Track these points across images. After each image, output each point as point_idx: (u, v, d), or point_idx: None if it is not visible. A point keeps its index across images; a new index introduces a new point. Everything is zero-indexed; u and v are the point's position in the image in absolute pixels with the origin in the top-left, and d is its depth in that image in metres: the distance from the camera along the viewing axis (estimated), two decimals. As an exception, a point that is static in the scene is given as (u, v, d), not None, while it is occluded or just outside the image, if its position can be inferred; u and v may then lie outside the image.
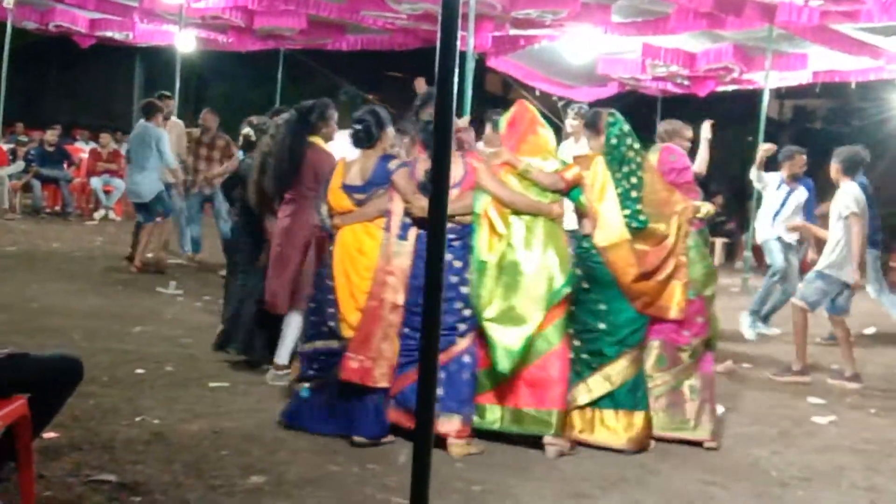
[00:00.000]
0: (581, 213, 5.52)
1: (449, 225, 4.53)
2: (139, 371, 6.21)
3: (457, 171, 5.13)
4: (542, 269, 5.19)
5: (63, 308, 8.09)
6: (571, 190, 5.43)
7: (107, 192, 15.80)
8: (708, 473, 5.06)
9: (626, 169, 5.45)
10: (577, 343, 5.40)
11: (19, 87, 10.56)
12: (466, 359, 5.16)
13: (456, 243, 5.15)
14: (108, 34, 13.94)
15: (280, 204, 6.29)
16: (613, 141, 5.50)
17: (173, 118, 11.29)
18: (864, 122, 17.64)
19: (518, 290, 5.17)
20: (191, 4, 11.64)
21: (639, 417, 5.37)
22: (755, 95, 12.88)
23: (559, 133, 14.83)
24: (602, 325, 5.40)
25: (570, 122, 9.02)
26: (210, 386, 6.01)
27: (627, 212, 5.38)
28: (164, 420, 5.20)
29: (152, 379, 6.07)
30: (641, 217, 5.38)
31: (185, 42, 13.02)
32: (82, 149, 17.44)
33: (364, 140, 5.43)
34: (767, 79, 10.84)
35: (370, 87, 20.97)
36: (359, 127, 5.44)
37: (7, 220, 14.44)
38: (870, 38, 10.43)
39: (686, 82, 13.75)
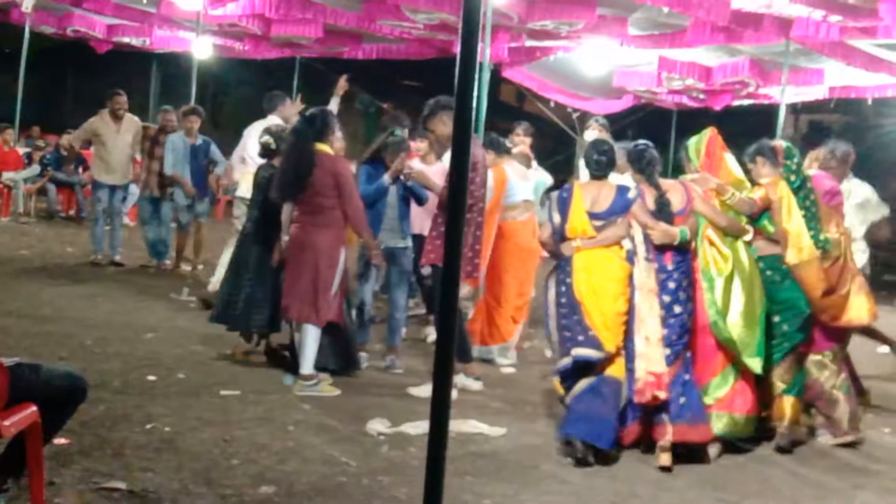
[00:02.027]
0: (760, 235, 5.99)
1: (671, 252, 5.56)
2: (151, 378, 6.20)
3: (679, 197, 5.71)
4: (756, 287, 5.76)
5: (76, 313, 8.10)
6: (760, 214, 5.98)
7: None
8: (720, 491, 5.03)
9: (801, 194, 6.03)
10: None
11: (36, 92, 10.62)
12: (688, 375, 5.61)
13: (681, 267, 5.62)
14: (126, 40, 13.98)
15: (297, 212, 6.30)
16: (793, 169, 6.08)
17: (128, 116, 11.04)
18: (879, 139, 17.55)
19: (744, 304, 5.66)
20: (208, 11, 11.68)
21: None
22: (771, 110, 12.83)
23: (574, 144, 14.84)
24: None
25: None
26: (221, 394, 5.99)
27: (811, 233, 5.95)
28: (175, 427, 5.19)
29: (164, 386, 6.07)
30: (822, 237, 6.01)
31: (202, 49, 13.06)
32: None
33: (605, 168, 5.79)
34: (784, 93, 10.79)
35: (385, 96, 21.01)
36: (601, 157, 5.76)
37: (21, 223, 14.48)
38: (887, 54, 10.39)
39: (702, 96, 13.71)
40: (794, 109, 18.92)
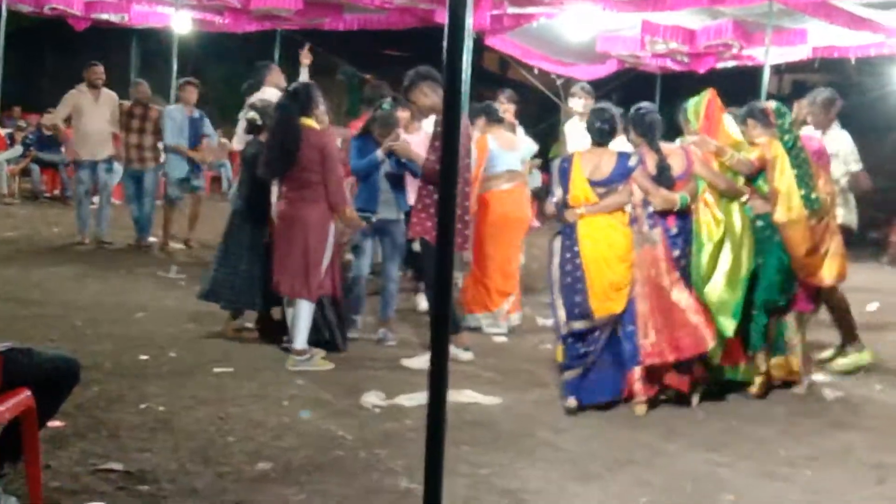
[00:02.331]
0: (756, 195, 6.08)
1: (674, 217, 5.68)
2: (143, 357, 6.19)
3: (679, 162, 5.78)
4: (745, 250, 5.88)
5: (65, 294, 8.07)
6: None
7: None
8: (715, 453, 5.06)
9: (793, 154, 6.09)
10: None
11: (16, 71, 10.51)
12: None
13: (683, 232, 5.76)
14: (104, 16, 13.79)
15: (284, 188, 6.27)
16: (786, 128, 6.17)
17: (105, 90, 11.01)
18: (863, 97, 17.55)
19: (730, 267, 5.81)
20: (187, -14, 11.57)
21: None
22: (754, 71, 12.78)
23: (559, 111, 14.81)
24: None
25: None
26: (214, 371, 5.99)
27: (802, 192, 6.03)
28: (170, 407, 5.18)
29: (156, 365, 6.06)
30: (812, 196, 6.07)
31: (182, 23, 12.93)
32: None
33: (608, 136, 5.85)
34: (768, 55, 10.74)
35: (368, 67, 20.85)
36: (604, 125, 5.81)
37: (6, 204, 14.40)
38: (870, 12, 10.35)
39: (686, 59, 13.62)
40: (778, 70, 18.89)
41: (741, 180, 6.07)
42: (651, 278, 5.69)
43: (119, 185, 12.26)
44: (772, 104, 6.43)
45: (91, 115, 10.76)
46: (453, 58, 2.68)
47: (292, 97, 6.34)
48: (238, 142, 10.02)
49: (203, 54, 18.28)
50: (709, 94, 6.18)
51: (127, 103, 11.05)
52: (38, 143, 15.51)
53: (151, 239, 11.17)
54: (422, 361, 6.44)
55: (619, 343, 5.75)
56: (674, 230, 5.73)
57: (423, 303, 8.24)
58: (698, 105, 6.16)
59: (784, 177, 6.03)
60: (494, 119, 7.90)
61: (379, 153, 6.85)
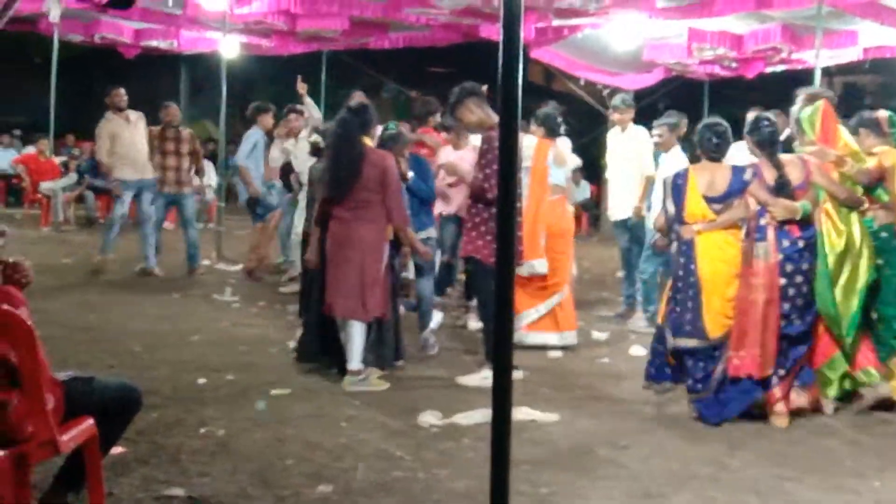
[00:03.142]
0: (876, 205, 6.03)
1: (798, 228, 5.59)
2: (200, 381, 6.23)
3: (797, 172, 5.69)
4: (864, 260, 5.79)
5: (121, 319, 8.15)
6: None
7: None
8: (780, 467, 4.96)
9: None
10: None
11: (67, 100, 10.65)
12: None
13: (810, 242, 5.68)
14: (153, 43, 14.04)
15: (338, 207, 6.27)
16: None
17: (131, 111, 10.65)
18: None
19: (847, 278, 5.74)
20: (234, 11, 11.68)
21: None
22: (804, 75, 12.63)
23: (605, 122, 14.71)
24: None
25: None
26: (271, 394, 6.00)
27: None
28: (228, 430, 5.20)
29: (214, 388, 6.09)
30: None
31: (230, 48, 13.08)
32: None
33: (722, 151, 5.79)
34: (818, 58, 10.61)
35: (412, 84, 20.95)
36: (718, 139, 5.77)
37: (62, 232, 14.63)
38: (922, 11, 10.19)
39: (734, 65, 13.51)
40: (828, 72, 18.64)
41: (860, 191, 5.97)
42: (744, 294, 5.60)
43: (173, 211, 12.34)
44: (883, 113, 6.33)
45: (129, 137, 10.53)
46: (509, 74, 2.67)
47: (354, 115, 6.32)
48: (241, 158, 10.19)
49: (251, 77, 18.48)
50: (823, 105, 6.06)
51: (156, 128, 10.89)
52: (91, 170, 15.73)
53: (205, 262, 11.27)
54: (477, 379, 6.41)
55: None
56: (800, 243, 5.63)
57: (473, 322, 8.21)
58: (813, 116, 6.04)
59: None
60: (554, 133, 7.82)
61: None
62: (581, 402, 6.14)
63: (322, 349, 6.58)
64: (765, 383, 5.64)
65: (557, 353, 7.51)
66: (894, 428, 5.77)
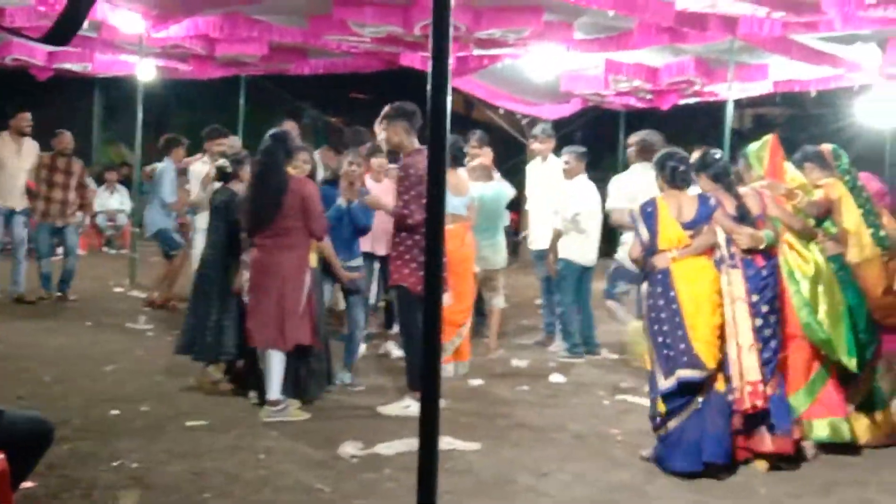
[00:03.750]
0: (826, 237, 6.05)
1: (762, 257, 5.56)
2: (114, 412, 6.07)
3: (754, 203, 5.72)
4: (836, 286, 5.80)
5: (31, 348, 7.92)
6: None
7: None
8: (698, 493, 5.03)
9: (856, 193, 6.09)
10: None
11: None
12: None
13: (773, 271, 5.62)
14: (67, 66, 13.74)
15: (258, 236, 6.20)
16: (846, 168, 6.21)
17: (28, 140, 10.38)
18: (822, 129, 17.81)
19: (829, 305, 5.70)
20: (151, 34, 11.49)
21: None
22: (716, 107, 12.95)
23: (524, 151, 14.88)
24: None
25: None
26: (188, 425, 5.88)
27: (872, 231, 6.03)
28: (143, 463, 5.08)
29: (128, 420, 5.94)
30: (882, 234, 6.07)
31: (146, 72, 12.87)
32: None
33: (685, 179, 5.74)
34: (731, 90, 10.87)
35: (332, 110, 20.88)
36: (680, 166, 5.71)
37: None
38: (829, 47, 10.51)
39: (649, 96, 13.77)
40: (739, 104, 19.14)
41: (811, 222, 6.01)
42: (733, 321, 5.48)
43: (86, 238, 12.06)
44: (827, 147, 6.40)
45: (12, 165, 10.24)
46: (437, 103, 2.67)
47: (279, 144, 6.27)
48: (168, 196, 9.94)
49: (167, 101, 18.21)
50: (771, 139, 6.11)
51: (46, 155, 10.50)
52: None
53: (118, 289, 11.03)
54: (398, 408, 6.39)
55: (719, 398, 5.45)
56: (764, 271, 5.58)
57: (395, 350, 8.17)
58: (761, 150, 6.09)
59: (851, 216, 6.01)
60: (457, 162, 7.69)
61: (341, 201, 6.86)
62: (502, 431, 6.14)
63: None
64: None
65: (478, 382, 7.50)
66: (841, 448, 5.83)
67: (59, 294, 10.48)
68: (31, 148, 10.46)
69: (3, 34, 11.70)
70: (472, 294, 7.80)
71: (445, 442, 5.59)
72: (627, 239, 7.58)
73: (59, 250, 11.00)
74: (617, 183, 8.34)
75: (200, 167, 9.43)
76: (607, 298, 8.50)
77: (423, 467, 2.76)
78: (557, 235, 8.57)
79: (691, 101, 13.95)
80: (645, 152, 7.87)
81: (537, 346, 9.05)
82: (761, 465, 5.46)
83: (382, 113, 6.80)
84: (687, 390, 5.39)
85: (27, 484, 4.33)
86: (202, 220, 9.16)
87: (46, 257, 10.54)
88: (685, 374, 5.35)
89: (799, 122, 20.28)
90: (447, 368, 7.36)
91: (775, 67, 11.78)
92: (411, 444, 5.35)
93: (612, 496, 4.95)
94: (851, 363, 5.68)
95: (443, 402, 6.28)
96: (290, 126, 8.07)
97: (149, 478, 4.86)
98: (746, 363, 5.36)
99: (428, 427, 2.75)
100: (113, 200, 16.34)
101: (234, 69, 13.94)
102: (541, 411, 6.70)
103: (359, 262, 7.22)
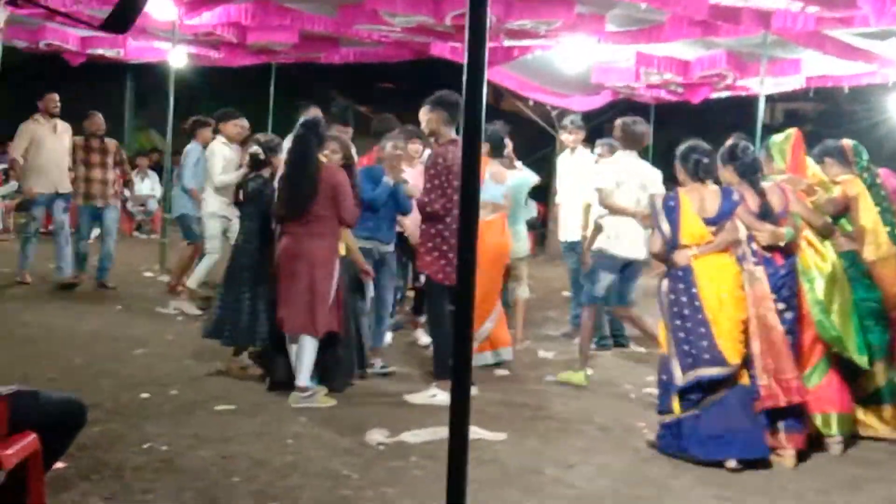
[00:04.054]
0: (840, 234, 6.00)
1: (780, 254, 5.54)
2: (144, 395, 6.14)
3: (777, 199, 5.66)
4: (846, 284, 5.79)
5: (63, 331, 8.01)
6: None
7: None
8: (723, 488, 5.02)
9: (874, 191, 6.07)
10: None
11: (11, 106, 10.38)
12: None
13: (791, 269, 5.61)
14: (99, 52, 13.82)
15: (289, 223, 6.25)
16: (865, 165, 6.17)
17: (60, 121, 10.34)
18: (854, 125, 17.66)
19: (841, 303, 5.69)
20: (183, 21, 11.56)
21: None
22: (748, 101, 12.86)
23: (554, 142, 14.87)
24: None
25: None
26: (216, 409, 5.94)
27: (888, 229, 5.99)
28: (172, 446, 5.13)
29: (158, 403, 6.00)
30: None
31: (178, 58, 12.94)
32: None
33: (709, 171, 5.69)
34: (763, 85, 10.80)
35: (361, 99, 20.92)
36: (704, 159, 5.67)
37: (1, 241, 14.33)
38: (864, 42, 10.41)
39: (680, 90, 13.69)
40: (771, 99, 19.02)
41: (828, 219, 5.98)
42: (760, 317, 5.46)
43: (129, 221, 12.08)
44: (848, 142, 6.35)
45: (50, 146, 10.20)
46: (473, 92, 2.68)
47: (310, 131, 6.29)
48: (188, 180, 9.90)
49: (197, 89, 18.30)
50: (794, 134, 6.08)
51: (79, 138, 10.51)
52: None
53: (148, 273, 11.11)
54: (425, 396, 6.42)
55: (744, 392, 5.44)
56: (783, 270, 5.56)
57: (423, 337, 8.20)
58: (784, 144, 6.06)
59: (869, 214, 5.98)
60: (496, 152, 7.76)
61: (387, 179, 6.91)
62: (528, 422, 6.15)
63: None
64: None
65: (504, 372, 7.52)
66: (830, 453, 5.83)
67: (98, 280, 10.42)
68: (65, 128, 10.42)
69: (40, 19, 11.77)
70: (499, 284, 7.80)
71: (472, 432, 5.55)
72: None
73: (95, 232, 10.95)
74: (600, 167, 8.28)
75: (220, 147, 9.39)
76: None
77: (453, 457, 2.77)
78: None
79: (723, 95, 13.86)
80: (629, 140, 7.74)
81: (564, 338, 9.05)
82: (789, 460, 5.43)
83: (428, 99, 6.84)
84: (708, 387, 5.38)
85: (58, 465, 4.39)
86: (213, 204, 9.23)
87: (85, 238, 10.50)
88: (706, 372, 5.35)
89: (831, 117, 20.14)
90: (485, 356, 7.43)
91: (808, 62, 11.68)
92: (438, 432, 5.39)
93: (637, 490, 4.95)
94: (863, 360, 5.68)
95: (476, 391, 6.41)
96: (314, 113, 8.04)
97: (177, 461, 4.90)
98: (779, 360, 5.37)
99: (458, 417, 2.76)
100: (144, 186, 16.49)
101: (265, 57, 13.98)
102: (567, 403, 6.71)
103: (391, 248, 7.25)
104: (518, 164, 8.83)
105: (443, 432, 5.01)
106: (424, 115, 6.80)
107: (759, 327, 5.43)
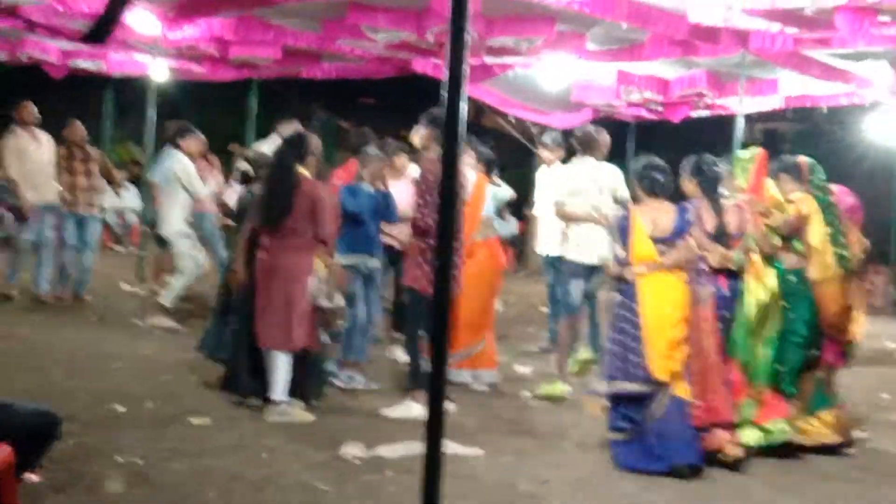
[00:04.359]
0: (789, 251, 6.05)
1: (725, 277, 5.57)
2: (119, 409, 6.11)
3: (736, 220, 5.69)
4: (775, 311, 5.84)
5: (39, 344, 7.96)
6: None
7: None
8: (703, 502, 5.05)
9: (827, 211, 6.08)
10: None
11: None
12: None
13: (735, 293, 5.66)
14: (81, 64, 13.81)
15: (266, 237, 6.24)
16: (819, 185, 6.17)
17: (38, 129, 10.09)
18: (832, 146, 17.80)
19: (772, 327, 5.81)
20: (166, 35, 11.56)
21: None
22: (727, 121, 12.96)
23: (533, 158, 14.93)
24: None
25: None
26: (192, 423, 5.92)
27: (835, 251, 6.02)
28: (147, 460, 5.11)
29: (133, 417, 5.98)
30: (846, 255, 6.07)
31: (159, 72, 12.94)
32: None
33: (665, 188, 5.66)
34: (742, 104, 10.89)
35: (342, 114, 20.95)
36: (661, 176, 5.64)
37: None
38: (841, 63, 10.53)
39: (660, 108, 13.79)
40: (749, 119, 19.15)
41: (778, 241, 6.02)
42: (696, 339, 5.52)
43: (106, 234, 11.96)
44: (805, 159, 6.36)
45: (35, 156, 9.96)
46: (453, 110, 2.71)
47: (289, 145, 6.32)
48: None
49: (179, 102, 18.28)
50: (760, 154, 6.08)
51: (61, 147, 10.25)
52: (4, 189, 15.35)
53: (126, 287, 11.06)
54: (401, 410, 6.42)
55: (680, 404, 5.50)
56: (727, 293, 5.60)
57: (401, 354, 8.19)
58: (748, 163, 6.06)
59: (818, 233, 6.03)
60: (490, 171, 7.86)
61: (369, 187, 7.06)
62: (504, 437, 6.16)
63: (254, 380, 6.46)
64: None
65: (482, 387, 7.52)
66: (811, 467, 5.88)
67: (77, 295, 10.25)
68: (46, 137, 10.22)
69: (21, 31, 11.73)
70: (492, 307, 7.83)
71: (448, 447, 5.55)
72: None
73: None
74: (553, 176, 8.42)
75: (188, 162, 9.40)
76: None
77: (428, 472, 2.79)
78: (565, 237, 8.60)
79: (702, 113, 13.97)
80: (585, 146, 7.90)
81: (542, 353, 9.07)
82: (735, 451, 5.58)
83: (422, 115, 6.90)
84: (630, 402, 5.47)
85: (32, 478, 4.38)
86: (176, 223, 9.26)
87: (70, 250, 10.19)
88: (626, 387, 5.45)
89: (809, 137, 20.30)
90: (462, 374, 7.41)
91: (786, 82, 11.80)
92: (413, 447, 5.37)
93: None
94: (753, 386, 5.80)
95: (452, 407, 6.43)
96: (291, 127, 8.07)
97: (152, 475, 4.89)
98: (709, 381, 5.52)
99: (434, 432, 2.78)
100: (123, 198, 16.42)
101: (247, 71, 13.99)
102: (544, 419, 6.72)
103: (377, 263, 7.29)
104: (496, 178, 8.87)
105: (418, 447, 5.00)
106: (418, 131, 6.87)
107: (694, 349, 5.51)
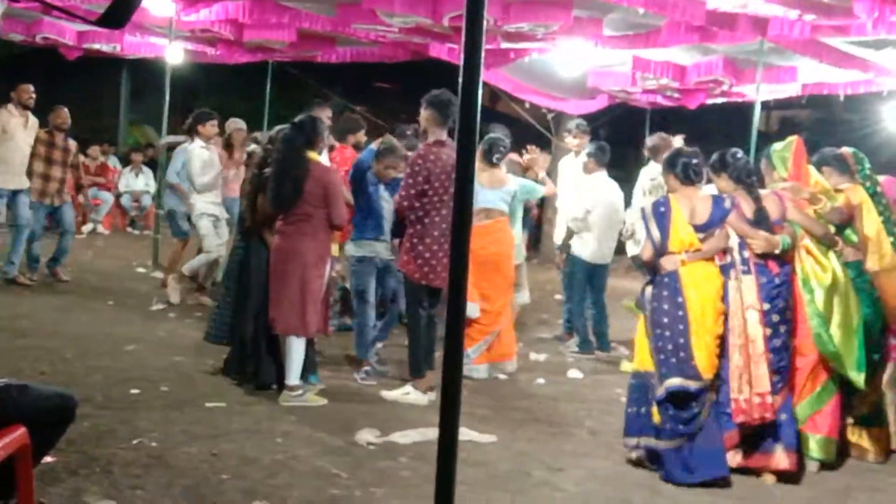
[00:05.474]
0: (845, 244, 5.85)
1: (776, 263, 5.36)
2: (134, 391, 6.13)
3: (773, 207, 5.51)
4: (851, 297, 5.57)
5: (54, 326, 7.99)
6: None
7: (95, 206, 15.68)
8: (714, 495, 5.03)
9: (876, 199, 5.93)
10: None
11: (5, 101, 10.33)
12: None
13: (786, 279, 5.44)
14: (96, 46, 13.82)
15: (281, 222, 6.23)
16: (867, 174, 6.05)
17: (30, 115, 9.94)
18: (850, 134, 17.70)
19: (842, 317, 5.48)
20: (181, 17, 11.55)
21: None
22: (744, 108, 12.89)
23: (549, 145, 14.88)
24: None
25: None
26: (206, 406, 5.93)
27: (892, 239, 5.85)
28: (162, 442, 5.12)
29: (148, 399, 5.99)
30: None
31: (174, 54, 12.94)
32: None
33: (698, 176, 5.53)
34: (759, 91, 10.82)
35: (357, 99, 20.92)
36: (692, 162, 5.52)
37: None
38: (859, 51, 10.44)
39: (676, 95, 13.71)
40: (766, 106, 19.04)
41: (832, 229, 5.79)
42: (742, 327, 5.30)
43: (109, 216, 12.05)
44: (848, 150, 6.21)
45: (21, 140, 9.80)
46: (468, 96, 2.69)
47: (298, 130, 6.28)
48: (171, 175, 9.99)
49: (194, 85, 18.29)
50: (796, 141, 5.93)
51: (43, 131, 10.11)
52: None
53: (140, 269, 11.08)
54: (398, 393, 6.48)
55: (718, 408, 5.30)
56: (778, 279, 5.37)
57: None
58: (785, 151, 5.92)
59: (872, 223, 5.82)
60: (488, 156, 7.66)
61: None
62: (518, 424, 6.16)
63: (242, 365, 6.52)
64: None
65: (496, 374, 7.51)
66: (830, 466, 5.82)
67: (50, 269, 10.17)
68: (34, 124, 10.07)
69: (35, 12, 11.75)
70: (504, 296, 7.68)
71: (462, 433, 5.57)
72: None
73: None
74: (582, 191, 8.73)
75: (199, 151, 9.35)
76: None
77: (442, 459, 2.77)
78: (570, 234, 8.61)
79: (718, 101, 13.89)
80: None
81: (556, 341, 9.06)
82: (769, 478, 5.32)
83: (424, 99, 6.83)
84: (686, 401, 5.22)
85: (47, 459, 4.39)
86: (199, 204, 9.29)
87: (38, 239, 10.17)
88: (675, 382, 5.17)
89: (826, 125, 20.18)
90: (480, 369, 7.37)
91: (804, 70, 11.71)
92: (427, 433, 5.41)
93: (627, 494, 4.96)
94: (859, 379, 5.47)
95: (424, 400, 6.43)
96: (322, 112, 7.85)
97: (167, 457, 4.90)
98: (756, 373, 5.21)
99: (448, 419, 2.76)
100: (138, 182, 16.45)
101: (262, 55, 13.97)
102: (557, 406, 6.72)
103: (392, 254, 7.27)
104: (542, 175, 8.81)
105: (432, 433, 5.04)
106: (421, 112, 6.82)
107: (741, 338, 5.29)
